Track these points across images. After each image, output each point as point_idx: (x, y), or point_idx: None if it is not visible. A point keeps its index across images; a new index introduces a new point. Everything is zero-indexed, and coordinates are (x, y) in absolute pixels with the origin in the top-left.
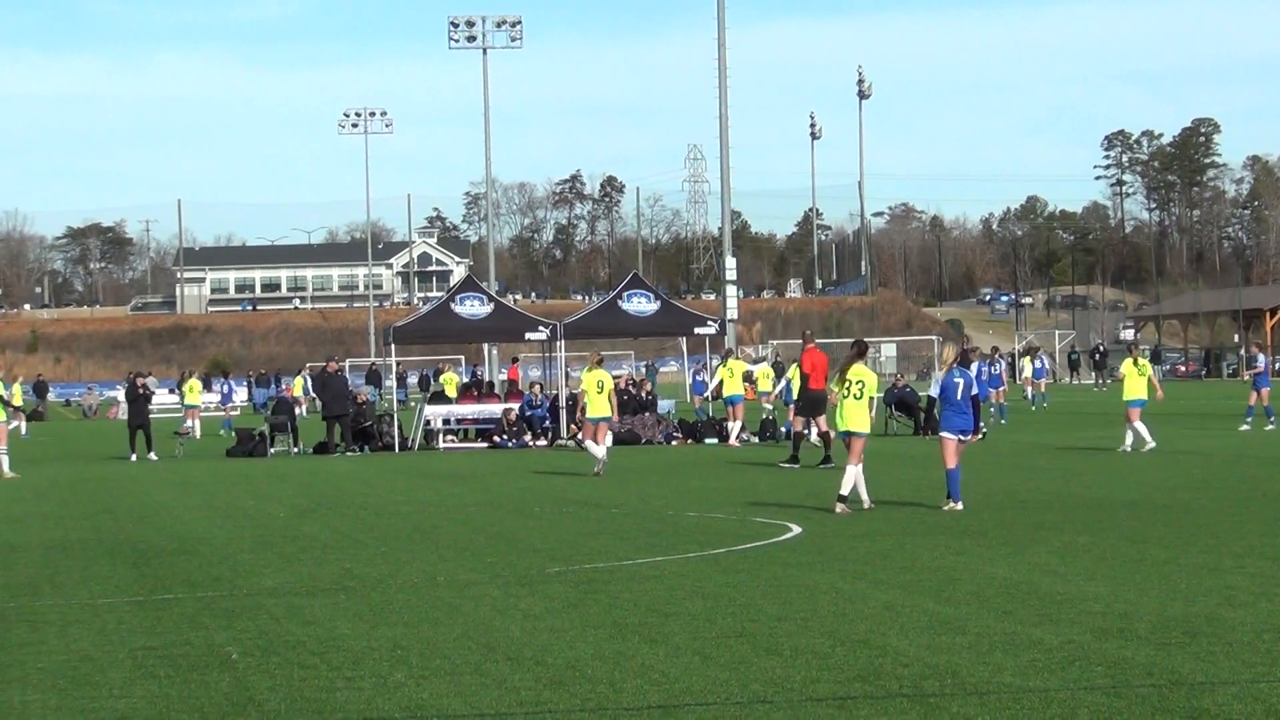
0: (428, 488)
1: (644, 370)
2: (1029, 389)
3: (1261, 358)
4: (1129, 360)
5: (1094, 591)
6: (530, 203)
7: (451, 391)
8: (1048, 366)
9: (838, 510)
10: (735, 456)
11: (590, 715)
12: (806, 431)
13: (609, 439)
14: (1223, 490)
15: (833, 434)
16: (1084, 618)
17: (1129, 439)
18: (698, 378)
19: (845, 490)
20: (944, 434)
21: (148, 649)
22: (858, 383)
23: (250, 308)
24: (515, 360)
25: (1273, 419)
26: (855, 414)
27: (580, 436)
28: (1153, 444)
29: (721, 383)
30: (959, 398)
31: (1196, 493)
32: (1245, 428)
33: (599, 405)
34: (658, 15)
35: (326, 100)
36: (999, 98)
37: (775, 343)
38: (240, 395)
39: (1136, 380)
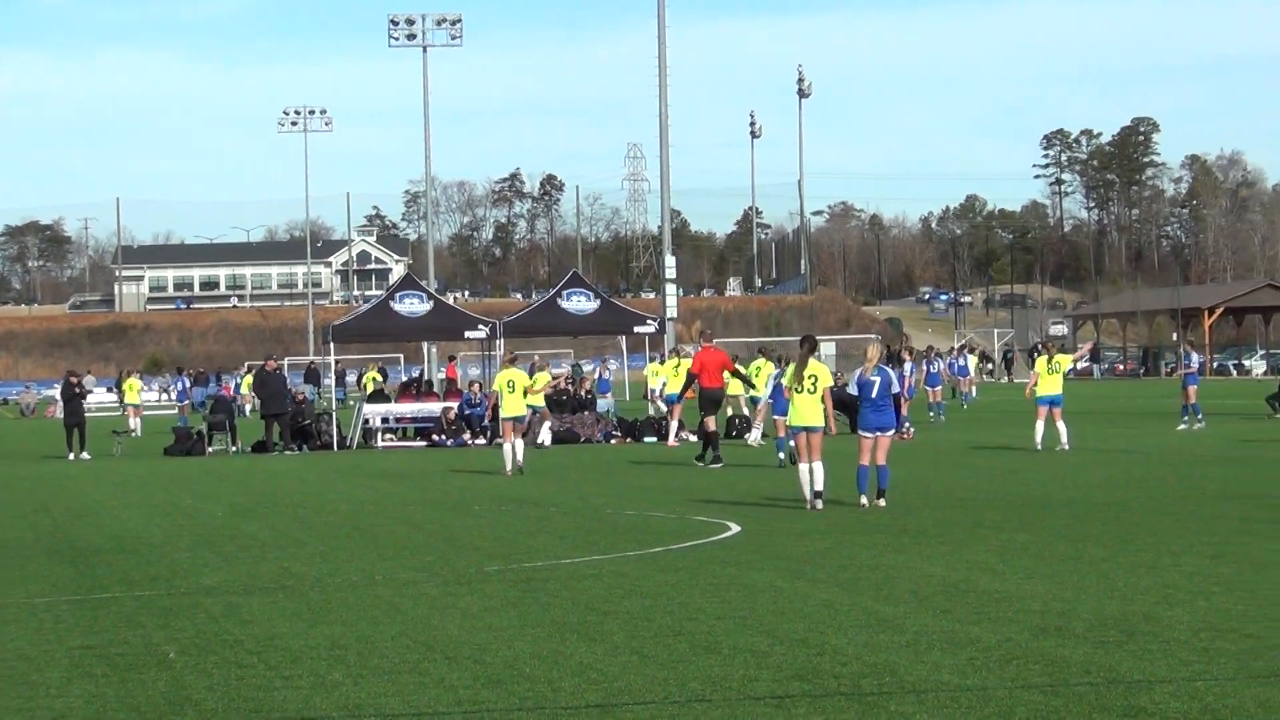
0: (366, 486)
1: (571, 370)
2: (970, 387)
3: (1194, 356)
4: (1042, 358)
5: (1032, 590)
6: (470, 201)
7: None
8: (970, 365)
9: (819, 506)
10: (674, 456)
11: (528, 714)
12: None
13: (547, 436)
14: (1160, 489)
15: (717, 429)
16: (1022, 616)
17: (1064, 435)
18: (602, 377)
19: (819, 486)
20: (860, 432)
21: (85, 648)
22: (810, 377)
23: (184, 306)
24: (453, 359)
25: (1200, 417)
26: (810, 409)
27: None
28: (1040, 447)
29: (666, 382)
30: (874, 395)
31: (1134, 491)
32: (1182, 426)
33: (510, 404)
34: (598, 14)
35: (266, 98)
36: (939, 97)
37: (717, 341)
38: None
39: (1047, 378)
